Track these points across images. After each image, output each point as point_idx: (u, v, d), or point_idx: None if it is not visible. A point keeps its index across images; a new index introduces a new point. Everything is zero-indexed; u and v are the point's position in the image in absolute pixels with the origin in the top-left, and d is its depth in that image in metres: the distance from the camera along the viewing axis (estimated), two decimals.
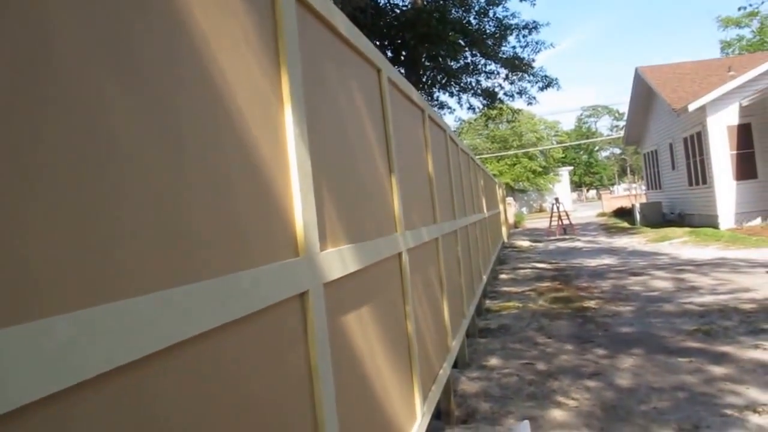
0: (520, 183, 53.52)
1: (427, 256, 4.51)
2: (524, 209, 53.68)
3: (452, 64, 18.71)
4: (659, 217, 24.46)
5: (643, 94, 26.28)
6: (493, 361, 6.09)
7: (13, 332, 0.83)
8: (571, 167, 67.87)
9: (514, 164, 53.28)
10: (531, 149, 54.50)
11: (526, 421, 2.15)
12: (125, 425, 1.05)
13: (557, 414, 4.46)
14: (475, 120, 27.57)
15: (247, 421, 1.47)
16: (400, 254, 3.44)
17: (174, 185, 1.29)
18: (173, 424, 1.19)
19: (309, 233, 1.95)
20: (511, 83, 20.17)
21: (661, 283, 10.15)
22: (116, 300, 1.05)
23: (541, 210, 54.60)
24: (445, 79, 19.03)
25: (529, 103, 20.44)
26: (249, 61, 1.74)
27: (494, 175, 26.61)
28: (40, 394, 0.86)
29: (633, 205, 28.34)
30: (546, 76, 19.99)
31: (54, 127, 0.97)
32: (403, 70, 16.62)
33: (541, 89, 20.07)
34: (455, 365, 5.45)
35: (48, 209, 0.94)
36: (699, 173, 20.45)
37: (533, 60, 19.89)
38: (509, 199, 33.16)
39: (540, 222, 35.42)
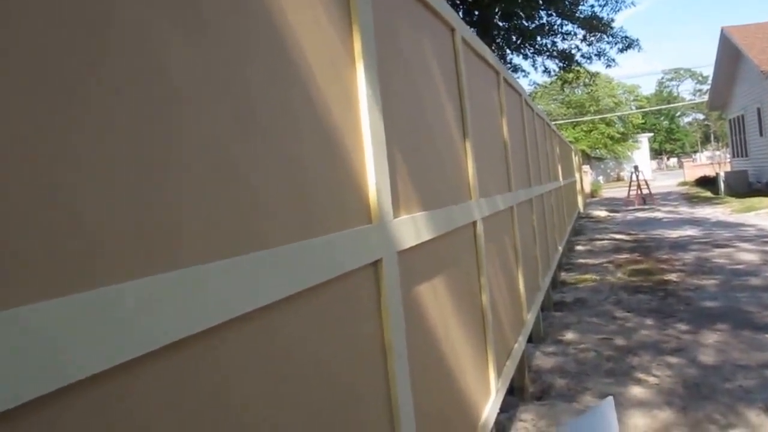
0: (597, 150, 51.96)
1: (501, 226, 4.36)
2: (601, 178, 52.13)
3: (527, 24, 18.08)
4: (745, 187, 23.31)
5: (729, 56, 24.95)
6: (569, 336, 5.90)
7: (81, 299, 0.78)
8: (651, 134, 65.39)
9: (591, 130, 51.68)
10: (608, 115, 52.67)
11: (610, 398, 2.02)
12: (190, 397, 0.98)
13: (637, 391, 4.28)
14: (550, 84, 26.79)
15: (318, 397, 1.39)
16: (474, 223, 3.31)
17: (243, 150, 1.20)
18: (241, 397, 1.11)
19: (382, 199, 1.85)
20: (589, 45, 19.33)
21: (748, 255, 9.65)
22: (185, 267, 0.97)
23: (619, 179, 52.97)
24: (520, 40, 18.42)
25: (608, 66, 19.62)
26: (319, 16, 1.63)
27: (570, 142, 25.84)
28: (107, 364, 0.80)
29: (717, 174, 27.05)
30: (626, 37, 19.08)
31: (119, 96, 0.89)
32: (474, 31, 16.15)
33: (621, 51, 19.16)
34: (529, 339, 5.30)
35: (117, 175, 0.86)
36: None
37: (612, 20, 18.98)
38: (585, 167, 32.27)
39: (617, 191, 34.39)
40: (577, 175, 21.15)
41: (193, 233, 1.03)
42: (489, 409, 3.11)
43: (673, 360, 4.90)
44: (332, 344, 1.50)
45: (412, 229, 2.11)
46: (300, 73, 1.48)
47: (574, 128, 51.30)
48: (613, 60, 19.53)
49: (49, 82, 0.79)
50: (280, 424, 1.23)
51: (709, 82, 28.93)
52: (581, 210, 21.76)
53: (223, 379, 1.07)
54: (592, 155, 51.91)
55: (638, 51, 20.37)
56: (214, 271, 1.04)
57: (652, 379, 4.52)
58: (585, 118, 51.66)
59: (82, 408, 0.78)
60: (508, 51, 18.49)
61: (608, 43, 19.22)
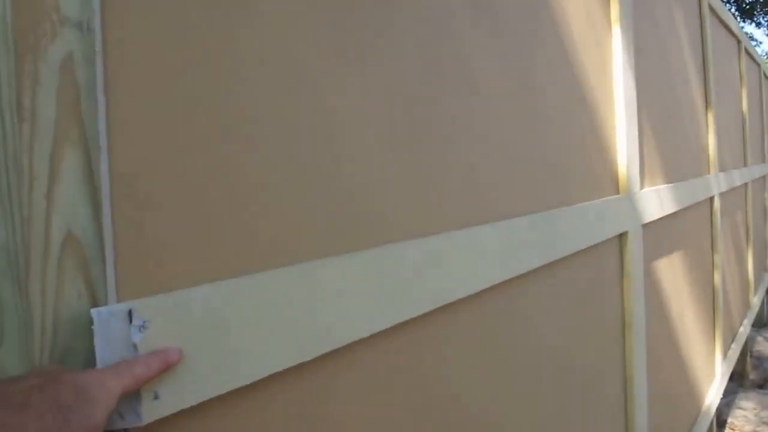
0: None
1: (736, 202, 4.05)
2: None
3: None
4: None
5: None
6: None
7: (374, 254, 0.83)
8: None
9: None
10: None
11: None
12: (475, 348, 1.03)
13: None
14: None
15: (557, 360, 1.41)
16: (711, 198, 3.11)
17: (519, 119, 1.22)
18: (503, 347, 1.15)
19: (631, 169, 1.79)
20: None
21: None
22: (468, 227, 1.02)
23: None
24: (759, 7, 16.62)
25: None
26: None
27: None
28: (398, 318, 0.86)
29: None
30: None
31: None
32: None
33: None
34: (752, 324, 4.90)
35: (399, 145, 0.93)
36: None
37: None
38: None
39: None
40: None
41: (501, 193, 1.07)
42: (713, 393, 2.95)
43: None
44: (578, 314, 1.50)
45: (656, 201, 2.03)
46: (562, 40, 1.47)
47: None
48: None
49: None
50: (535, 371, 1.27)
51: None
52: None
53: (492, 332, 1.11)
54: None
55: None
56: (488, 231, 1.08)
57: None
58: None
59: (380, 353, 0.86)
60: (740, 18, 16.79)
61: None
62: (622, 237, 1.75)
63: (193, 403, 0.55)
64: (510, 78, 1.22)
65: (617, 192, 1.76)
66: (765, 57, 23.39)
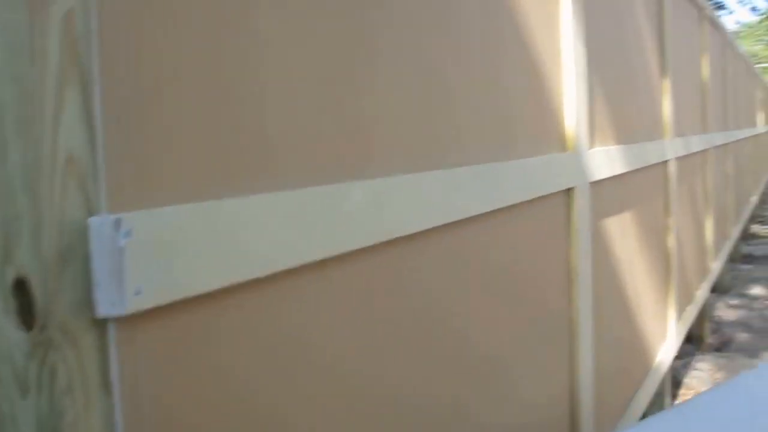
0: None
1: (694, 168, 4.16)
2: None
3: None
4: None
5: None
6: (757, 290, 5.55)
7: (317, 191, 0.89)
8: None
9: None
10: None
11: None
12: (403, 291, 1.09)
13: None
14: (760, 23, 24.22)
15: (507, 306, 1.48)
16: (666, 162, 3.20)
17: (456, 72, 1.27)
18: (440, 294, 1.21)
19: (579, 128, 1.86)
20: None
21: None
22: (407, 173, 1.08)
23: None
24: None
25: None
26: None
27: None
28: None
29: None
30: None
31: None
32: None
33: None
34: (713, 290, 5.05)
35: (376, 83, 0.97)
36: None
37: None
38: None
39: None
40: None
41: (411, 144, 1.12)
42: (664, 351, 3.06)
43: None
44: (523, 263, 1.57)
45: (605, 161, 2.10)
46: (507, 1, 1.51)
47: None
48: None
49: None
50: (487, 313, 1.33)
51: None
52: None
53: (426, 279, 1.17)
54: None
55: None
56: (428, 179, 1.13)
57: None
58: None
59: (321, 284, 0.91)
60: None
61: None
62: (569, 192, 1.82)
63: (167, 301, 0.66)
64: (463, 32, 1.27)
65: (565, 149, 1.82)
66: (738, 25, 23.58)
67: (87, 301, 0.59)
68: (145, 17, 0.67)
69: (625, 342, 2.46)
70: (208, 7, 0.75)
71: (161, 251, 0.65)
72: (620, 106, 2.40)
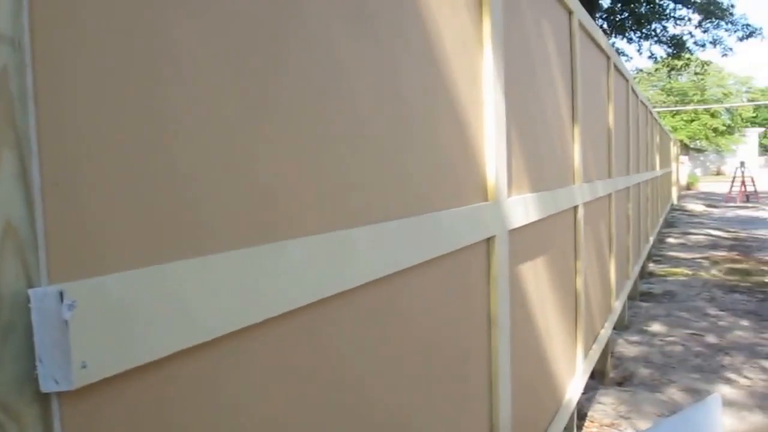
0: (698, 141, 49.73)
1: (599, 212, 4.36)
2: (698, 170, 49.92)
3: (639, 7, 17.34)
4: None
5: None
6: (656, 327, 5.82)
7: (261, 250, 0.89)
8: (762, 129, 61.67)
9: (692, 120, 49.35)
10: (715, 106, 50.16)
11: (717, 395, 2.02)
12: (351, 340, 1.10)
13: (727, 391, 4.21)
14: (656, 70, 25.69)
15: (432, 354, 1.50)
16: (576, 207, 3.34)
17: (396, 128, 1.30)
18: (374, 346, 1.22)
19: (499, 178, 1.92)
20: (704, 31, 18.38)
21: None
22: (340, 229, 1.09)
23: (719, 173, 50.57)
24: (630, 23, 17.73)
25: (724, 55, 18.70)
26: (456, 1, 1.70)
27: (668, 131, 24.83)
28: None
29: None
30: (747, 25, 18.03)
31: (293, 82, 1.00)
32: None
33: (741, 39, 18.13)
34: (614, 327, 5.27)
35: (288, 141, 0.98)
36: None
37: (733, 5, 17.95)
38: (683, 159, 31.05)
39: (717, 186, 32.92)
40: (673, 165, 20.42)
41: (347, 200, 1.13)
42: (573, 388, 3.17)
43: None
44: (447, 312, 1.60)
45: (522, 209, 2.18)
46: (437, 57, 1.56)
47: (673, 117, 49.12)
48: (731, 49, 18.49)
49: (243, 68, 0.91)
50: (414, 360, 1.35)
51: None
52: (675, 202, 21.05)
53: (365, 329, 1.19)
54: (692, 146, 49.69)
55: (761, 39, 19.12)
56: (361, 234, 1.15)
57: (743, 381, 4.42)
58: (687, 107, 49.36)
59: (271, 343, 0.91)
60: (612, 35, 17.84)
61: (726, 30, 18.17)
62: (489, 241, 1.88)
63: (114, 372, 0.64)
64: (382, 88, 1.30)
65: (486, 199, 1.88)
66: (635, 71, 24.88)
67: (29, 376, 0.57)
68: (78, 76, 0.65)
69: (539, 382, 2.53)
70: (142, 64, 0.74)
71: (107, 321, 0.63)
72: (535, 154, 2.51)
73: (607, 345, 4.44)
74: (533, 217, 2.33)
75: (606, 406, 3.99)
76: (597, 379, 4.37)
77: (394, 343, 1.32)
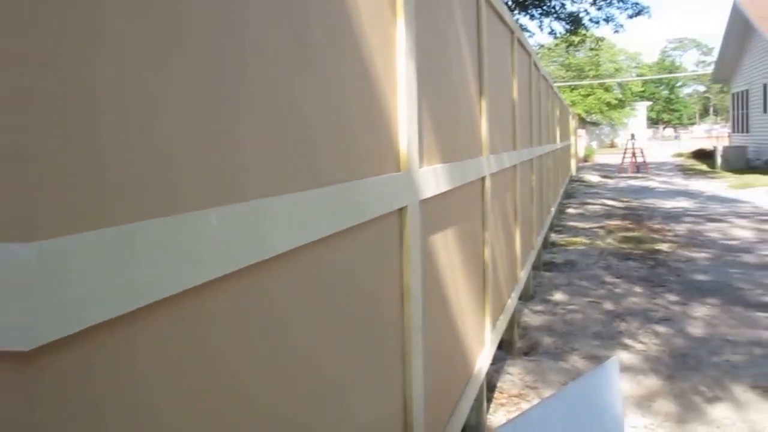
0: (593, 115, 51.76)
1: (505, 183, 4.44)
2: (594, 143, 51.85)
3: None
4: (743, 163, 23.19)
5: (740, 29, 24.66)
6: (558, 296, 6.03)
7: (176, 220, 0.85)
8: (650, 102, 64.78)
9: (588, 95, 51.26)
10: (608, 80, 52.28)
11: (615, 358, 2.10)
12: (262, 315, 1.05)
13: (624, 356, 4.41)
14: (556, 46, 26.47)
15: (346, 327, 1.47)
16: (483, 178, 3.38)
17: (304, 96, 1.24)
18: (298, 316, 1.18)
19: (411, 149, 1.91)
20: (599, 9, 19.08)
21: (742, 232, 9.76)
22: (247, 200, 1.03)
23: (613, 145, 52.78)
24: (529, 0, 18.16)
25: (616, 31, 19.38)
26: None
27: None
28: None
29: (714, 148, 26.99)
30: (636, 3, 18.84)
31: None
32: None
33: (630, 17, 18.95)
34: (520, 297, 5.43)
35: (192, 113, 0.91)
36: None
37: None
38: (580, 132, 32.23)
39: (611, 158, 34.42)
40: (572, 139, 21.17)
41: (259, 168, 1.08)
42: (482, 359, 3.23)
43: (660, 329, 5.02)
44: (362, 282, 1.57)
45: (432, 179, 2.17)
46: (351, 20, 1.52)
47: (571, 91, 50.91)
48: (621, 26, 19.28)
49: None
50: (328, 335, 1.32)
51: (714, 54, 28.71)
52: (574, 173, 21.87)
53: (280, 300, 1.14)
54: (588, 120, 51.70)
55: (648, 17, 20.07)
56: (278, 203, 1.10)
57: (638, 346, 4.65)
58: (583, 82, 51.24)
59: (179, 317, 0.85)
60: (515, 11, 18.21)
61: (618, 8, 18.94)
62: (402, 211, 1.86)
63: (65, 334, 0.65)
64: (294, 55, 1.24)
65: (398, 170, 1.86)
66: (537, 47, 25.52)
67: None
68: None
69: (450, 353, 2.56)
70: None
71: (57, 282, 0.63)
72: (445, 126, 2.50)
73: (513, 315, 4.56)
74: (443, 187, 2.33)
75: (513, 376, 4.10)
76: (504, 349, 4.48)
77: (309, 316, 1.28)
